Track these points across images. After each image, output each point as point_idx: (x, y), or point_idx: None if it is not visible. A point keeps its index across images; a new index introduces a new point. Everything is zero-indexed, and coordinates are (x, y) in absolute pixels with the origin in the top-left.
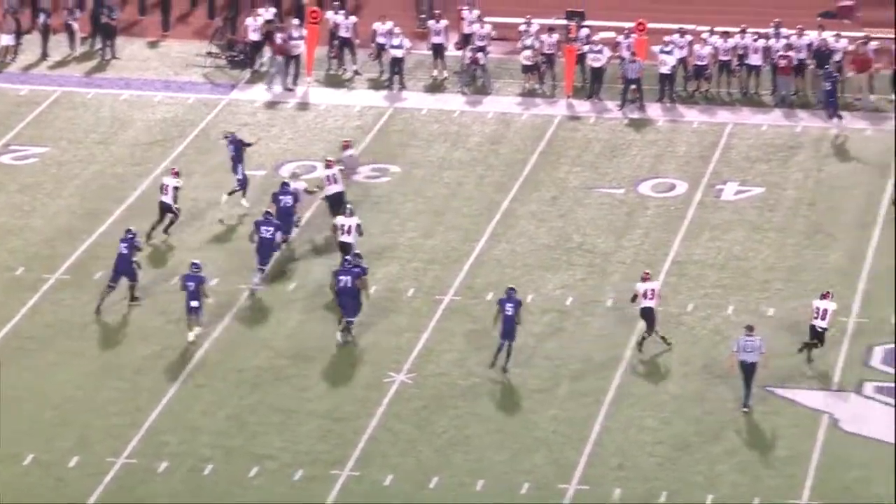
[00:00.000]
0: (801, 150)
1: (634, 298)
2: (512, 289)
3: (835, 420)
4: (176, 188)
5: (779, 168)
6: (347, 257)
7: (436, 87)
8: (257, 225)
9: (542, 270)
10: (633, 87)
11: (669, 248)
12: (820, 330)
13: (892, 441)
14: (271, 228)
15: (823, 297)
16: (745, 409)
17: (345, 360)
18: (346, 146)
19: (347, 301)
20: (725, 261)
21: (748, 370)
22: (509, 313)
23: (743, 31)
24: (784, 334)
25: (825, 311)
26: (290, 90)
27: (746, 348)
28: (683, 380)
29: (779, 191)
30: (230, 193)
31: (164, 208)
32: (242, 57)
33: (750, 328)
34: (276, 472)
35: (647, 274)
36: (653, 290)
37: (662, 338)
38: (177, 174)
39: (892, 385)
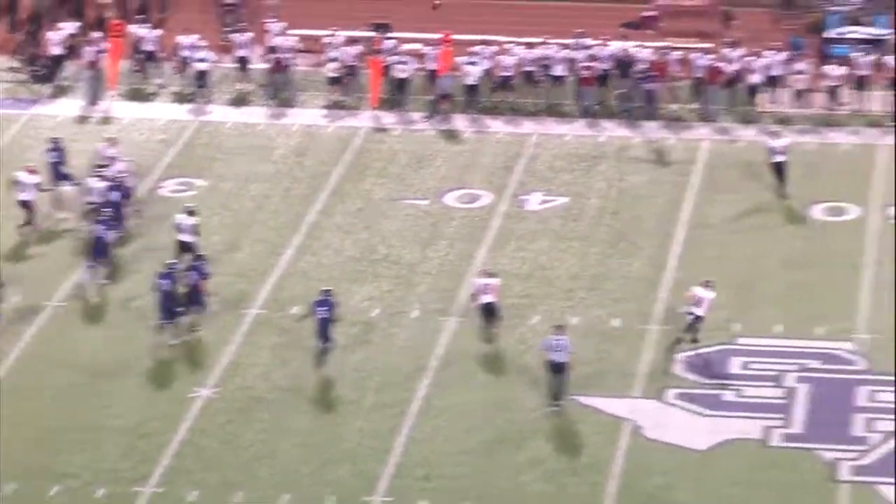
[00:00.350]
0: (604, 160)
1: (474, 297)
2: (327, 291)
3: (638, 427)
4: (37, 185)
5: (582, 178)
6: (174, 261)
7: (241, 100)
8: (91, 225)
9: (349, 282)
10: (443, 99)
11: (475, 258)
12: (694, 317)
13: (693, 447)
14: (103, 227)
15: (703, 285)
16: (555, 408)
17: (150, 376)
18: (110, 143)
19: (168, 304)
20: (531, 270)
21: (557, 369)
22: (323, 316)
23: (545, 42)
24: (588, 342)
25: (701, 298)
26: (94, 104)
27: (555, 348)
28: (489, 389)
29: (583, 200)
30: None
31: (24, 205)
32: (45, 71)
33: (559, 328)
34: (78, 491)
35: (487, 270)
36: (487, 284)
37: (489, 339)
38: (33, 171)
39: (694, 391)
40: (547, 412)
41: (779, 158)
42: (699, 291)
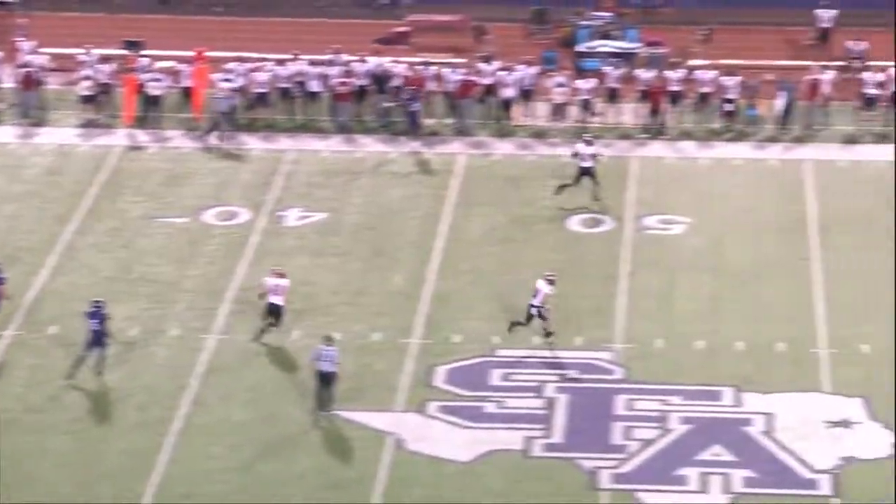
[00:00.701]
0: (361, 176)
1: (262, 295)
2: (97, 302)
3: (400, 440)
4: None
5: (340, 193)
6: None
7: None
8: None
9: (107, 302)
10: (224, 115)
11: (234, 275)
12: (533, 309)
13: (456, 459)
14: None
15: (545, 279)
16: (322, 418)
17: None
18: None
19: None
20: (291, 286)
21: (326, 379)
22: (95, 328)
23: (297, 58)
24: (349, 356)
25: (538, 290)
26: None
27: (324, 358)
28: (251, 405)
29: (341, 215)
30: None
31: None
32: None
33: (328, 339)
34: None
35: (278, 271)
36: (277, 284)
37: (261, 330)
38: None
39: (455, 404)
40: (312, 423)
41: (586, 164)
42: (539, 284)
